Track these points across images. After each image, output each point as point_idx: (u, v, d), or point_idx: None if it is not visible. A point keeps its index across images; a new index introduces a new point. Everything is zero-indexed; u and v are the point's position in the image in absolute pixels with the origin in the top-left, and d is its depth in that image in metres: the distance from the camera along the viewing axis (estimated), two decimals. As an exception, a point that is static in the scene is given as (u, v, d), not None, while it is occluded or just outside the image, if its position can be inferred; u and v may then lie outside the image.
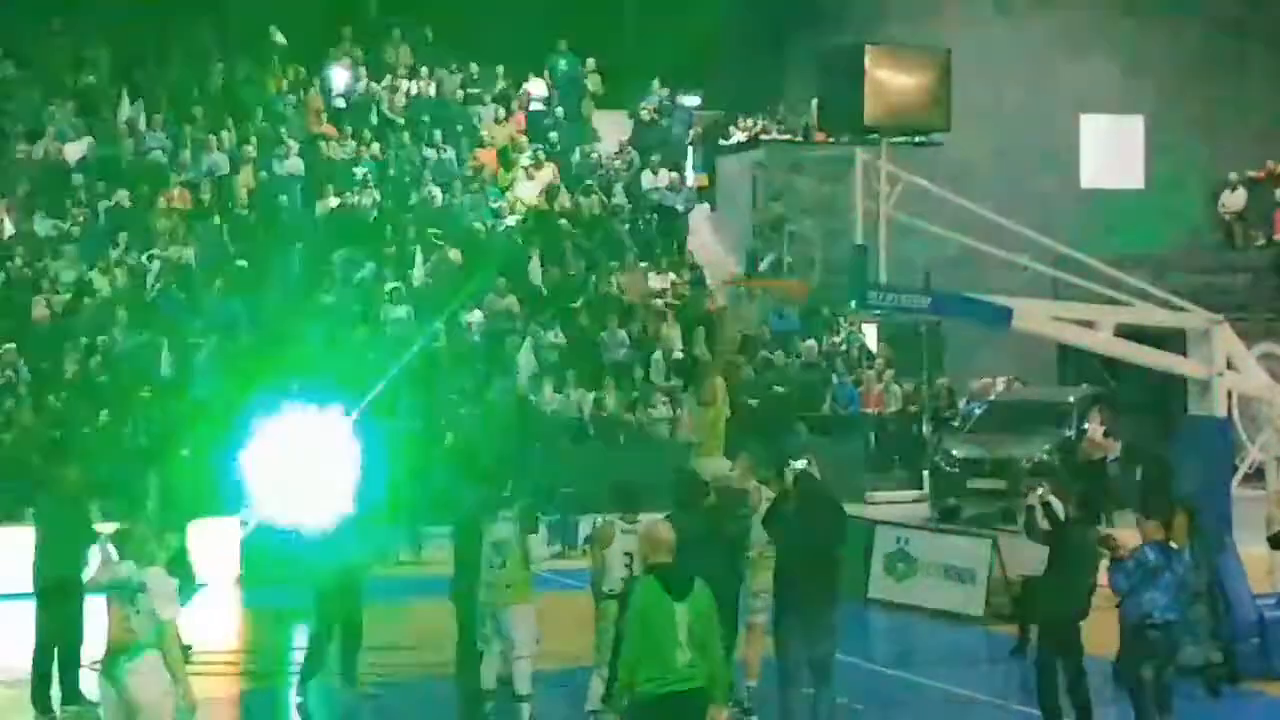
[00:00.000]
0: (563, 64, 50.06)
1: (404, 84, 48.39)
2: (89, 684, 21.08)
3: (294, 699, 20.72)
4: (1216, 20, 48.70)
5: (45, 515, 21.17)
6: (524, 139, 48.42)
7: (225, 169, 43.98)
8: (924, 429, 42.18)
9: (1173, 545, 17.24)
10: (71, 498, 21.66)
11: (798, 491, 18.78)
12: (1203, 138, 47.95)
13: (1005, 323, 22.78)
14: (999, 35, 46.49)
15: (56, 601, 20.98)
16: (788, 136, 47.78)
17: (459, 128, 48.01)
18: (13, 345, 37.00)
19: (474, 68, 49.48)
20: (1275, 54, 48.60)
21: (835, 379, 42.55)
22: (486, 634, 19.40)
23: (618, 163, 48.60)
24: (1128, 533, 19.48)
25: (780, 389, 41.31)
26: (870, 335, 44.67)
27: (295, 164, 44.65)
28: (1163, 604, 16.93)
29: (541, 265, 44.08)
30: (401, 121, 47.57)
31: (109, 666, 14.64)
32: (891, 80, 22.25)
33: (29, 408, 35.93)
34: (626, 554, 18.45)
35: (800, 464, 19.67)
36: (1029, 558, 19.82)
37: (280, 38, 47.59)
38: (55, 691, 20.87)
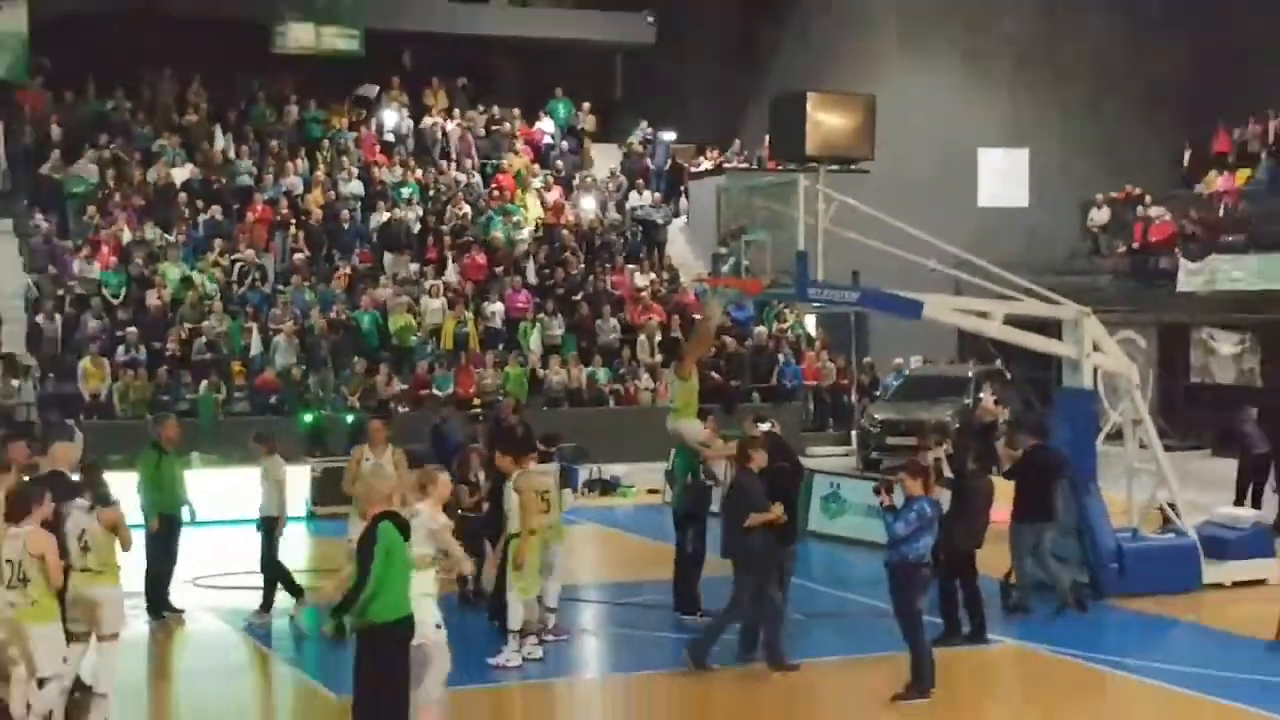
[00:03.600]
0: (565, 108, 50.07)
1: (442, 121, 48.39)
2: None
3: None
4: (1087, 73, 48.74)
5: (152, 463, 21.16)
6: (536, 166, 48.46)
7: (299, 189, 44.02)
8: (852, 398, 42.28)
9: (935, 498, 17.04)
10: (173, 450, 21.72)
11: (765, 447, 18.90)
12: (1075, 166, 47.97)
13: (917, 313, 22.75)
14: (914, 85, 46.48)
15: (168, 532, 21.10)
16: (745, 165, 47.79)
17: (482, 156, 48.03)
18: (133, 329, 37.15)
19: (496, 110, 49.47)
20: (1132, 100, 48.64)
21: (781, 358, 42.69)
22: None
23: (610, 185, 48.56)
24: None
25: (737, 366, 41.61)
26: (810, 323, 44.68)
27: (355, 185, 44.72)
28: (931, 547, 16.74)
29: (549, 266, 44.11)
30: (439, 151, 47.68)
31: None
32: (828, 120, 22.19)
33: (144, 378, 36.09)
34: (543, 495, 18.43)
35: (766, 425, 19.78)
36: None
37: (372, 90, 47.71)
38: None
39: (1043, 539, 20.83)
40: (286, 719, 14.86)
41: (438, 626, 14.09)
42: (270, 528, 20.80)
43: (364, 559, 12.94)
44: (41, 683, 14.14)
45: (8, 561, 13.88)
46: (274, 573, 20.96)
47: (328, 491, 28.97)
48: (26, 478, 16.19)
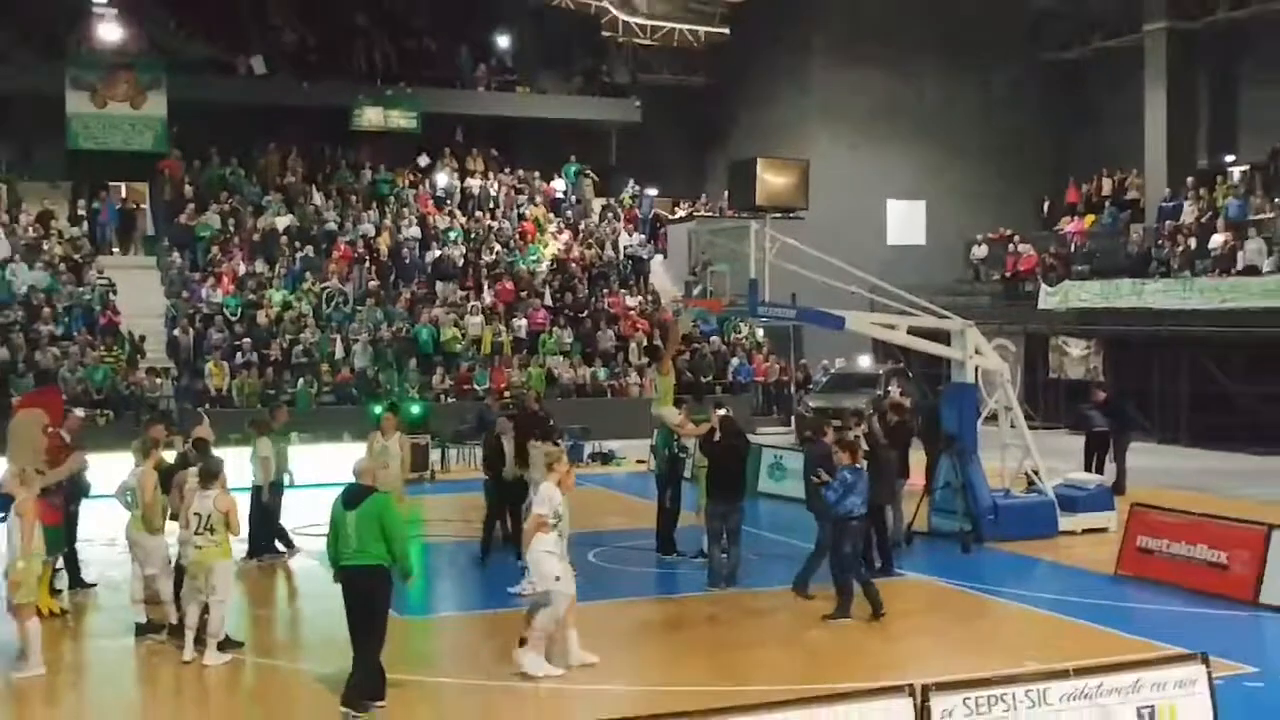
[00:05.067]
0: (574, 171, 50.03)
1: (480, 182, 48.35)
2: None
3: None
4: (970, 144, 48.77)
5: (261, 443, 21.10)
6: (551, 215, 48.43)
7: (372, 233, 43.98)
8: (791, 390, 42.23)
9: (859, 466, 16.88)
10: (279, 431, 21.64)
11: (722, 426, 18.85)
12: (960, 215, 48.05)
13: (841, 325, 22.72)
14: (839, 152, 46.42)
15: (272, 494, 21.03)
16: (710, 213, 47.76)
17: (512, 208, 48.00)
18: (247, 339, 37.21)
19: (520, 172, 49.46)
20: (1005, 163, 48.73)
21: (737, 360, 42.71)
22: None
23: (607, 229, 48.51)
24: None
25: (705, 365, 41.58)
26: (759, 333, 44.66)
27: (414, 230, 44.67)
28: (860, 504, 16.48)
29: (561, 291, 44.07)
30: (478, 204, 47.65)
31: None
32: (773, 179, 22.11)
33: (256, 376, 36.09)
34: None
35: (723, 411, 19.73)
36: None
37: (424, 159, 47.71)
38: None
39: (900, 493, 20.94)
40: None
41: (556, 579, 13.91)
42: (258, 496, 20.82)
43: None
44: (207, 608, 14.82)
45: (195, 514, 14.67)
46: (265, 529, 20.93)
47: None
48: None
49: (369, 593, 12.72)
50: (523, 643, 14.00)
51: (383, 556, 12.68)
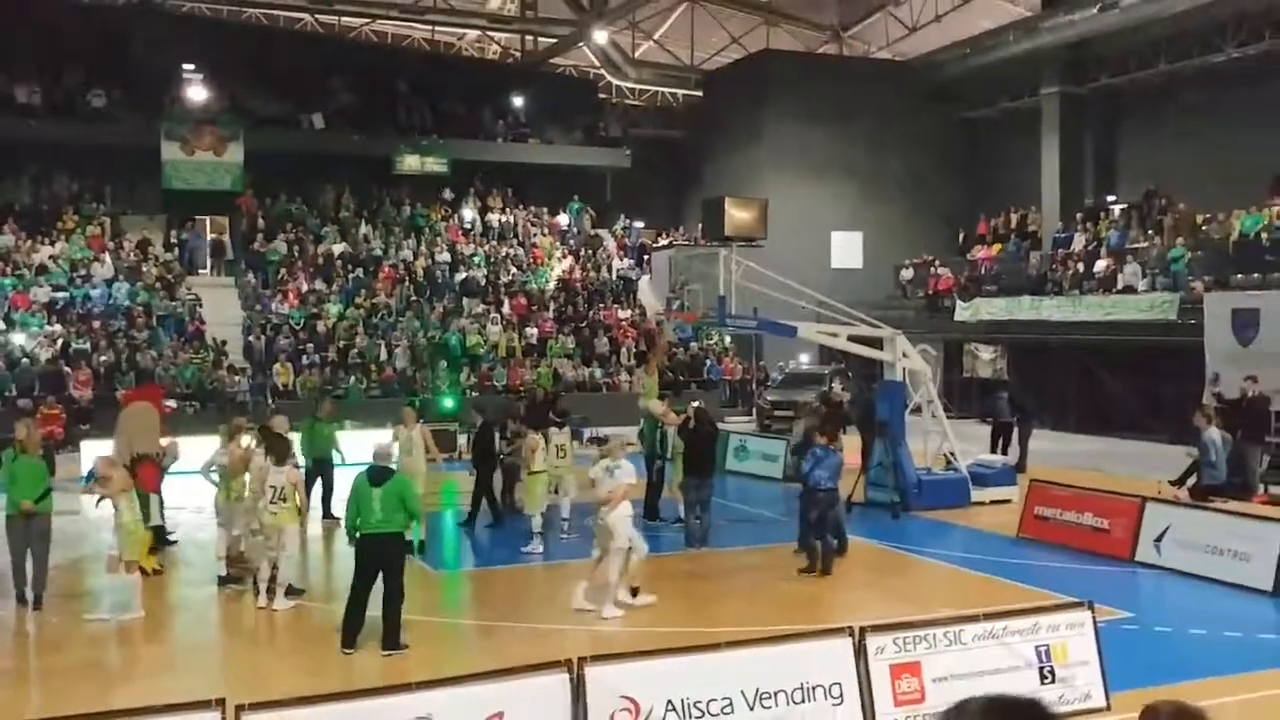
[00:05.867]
0: (575, 207, 49.98)
1: (499, 216, 48.28)
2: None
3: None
4: (901, 184, 48.82)
5: (308, 427, 21.09)
6: (556, 243, 48.35)
7: (411, 257, 43.92)
8: (753, 386, 42.21)
9: (832, 447, 16.91)
10: (328, 419, 21.59)
11: (695, 416, 18.86)
12: (890, 243, 48.04)
13: (793, 334, 22.75)
14: (792, 192, 46.40)
15: (321, 468, 21.03)
16: (687, 242, 47.76)
17: (526, 238, 47.92)
18: (310, 345, 37.13)
19: (532, 208, 49.40)
20: (928, 201, 48.74)
21: (709, 362, 42.67)
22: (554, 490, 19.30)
23: (602, 255, 48.48)
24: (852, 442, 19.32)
25: (682, 365, 41.50)
26: (727, 340, 44.66)
27: (445, 255, 44.59)
28: (826, 478, 16.40)
29: (565, 305, 44.02)
30: (498, 234, 47.53)
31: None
32: (738, 213, 22.17)
33: (316, 375, 36.00)
34: (545, 450, 18.42)
35: (697, 403, 19.73)
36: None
37: (448, 194, 47.61)
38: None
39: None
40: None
41: (630, 538, 14.22)
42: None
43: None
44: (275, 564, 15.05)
45: (271, 487, 14.87)
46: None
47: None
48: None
49: (391, 554, 12.69)
50: (635, 592, 14.43)
51: (402, 525, 12.70)
